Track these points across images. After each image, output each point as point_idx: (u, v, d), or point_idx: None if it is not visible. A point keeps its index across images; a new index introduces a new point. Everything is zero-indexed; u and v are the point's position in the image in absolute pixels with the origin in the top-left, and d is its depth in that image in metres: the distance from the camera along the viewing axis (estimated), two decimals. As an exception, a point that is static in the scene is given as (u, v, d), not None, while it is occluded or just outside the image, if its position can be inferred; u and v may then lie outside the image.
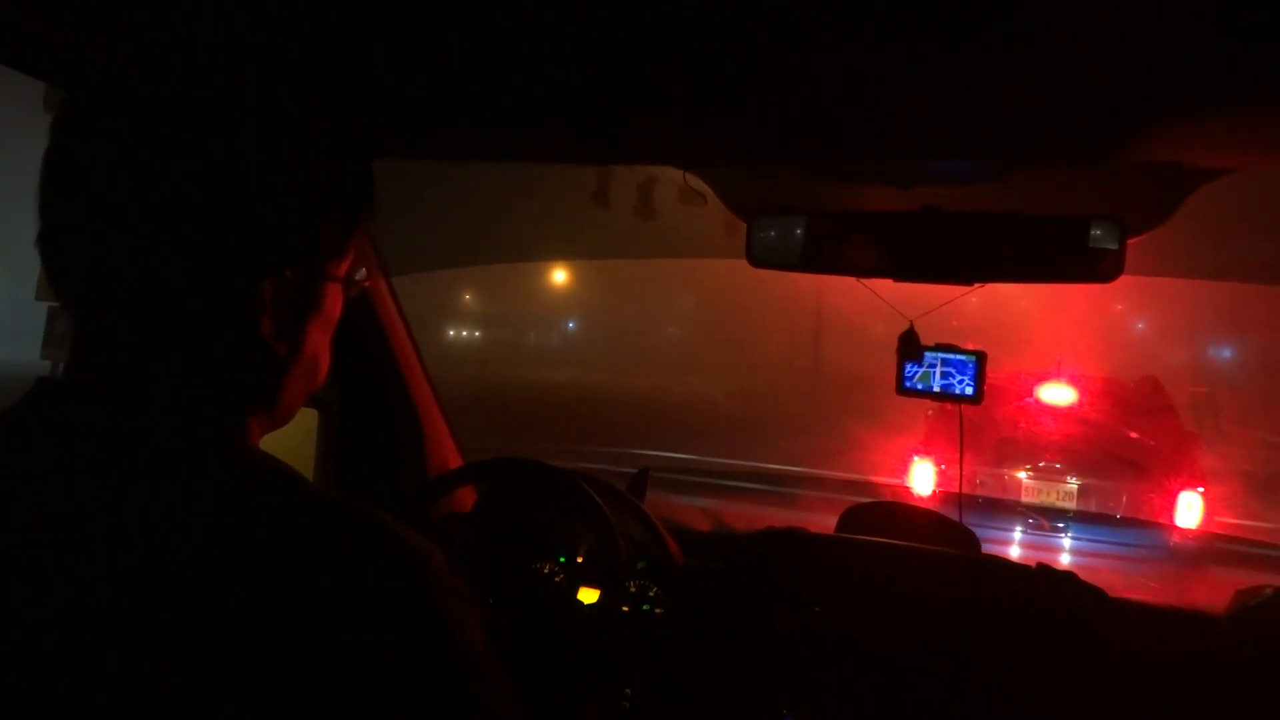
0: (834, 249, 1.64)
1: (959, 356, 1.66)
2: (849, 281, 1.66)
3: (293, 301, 0.75)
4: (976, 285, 1.55)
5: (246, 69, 0.75)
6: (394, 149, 1.58)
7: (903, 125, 1.24)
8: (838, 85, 1.11)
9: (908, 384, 1.68)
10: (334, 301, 0.80)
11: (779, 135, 1.33)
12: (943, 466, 6.64)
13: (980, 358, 1.65)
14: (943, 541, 1.73)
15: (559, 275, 29.87)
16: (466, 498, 1.96)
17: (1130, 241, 1.40)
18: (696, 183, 1.72)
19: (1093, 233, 1.38)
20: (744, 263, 1.68)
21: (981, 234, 1.49)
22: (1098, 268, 1.37)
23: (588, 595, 1.66)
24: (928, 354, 1.66)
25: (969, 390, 1.65)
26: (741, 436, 11.66)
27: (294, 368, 0.77)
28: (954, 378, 1.65)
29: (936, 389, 1.67)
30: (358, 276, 0.83)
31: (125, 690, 0.60)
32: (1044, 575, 1.55)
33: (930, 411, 7.03)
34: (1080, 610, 1.47)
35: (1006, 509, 6.36)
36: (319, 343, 0.80)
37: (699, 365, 21.68)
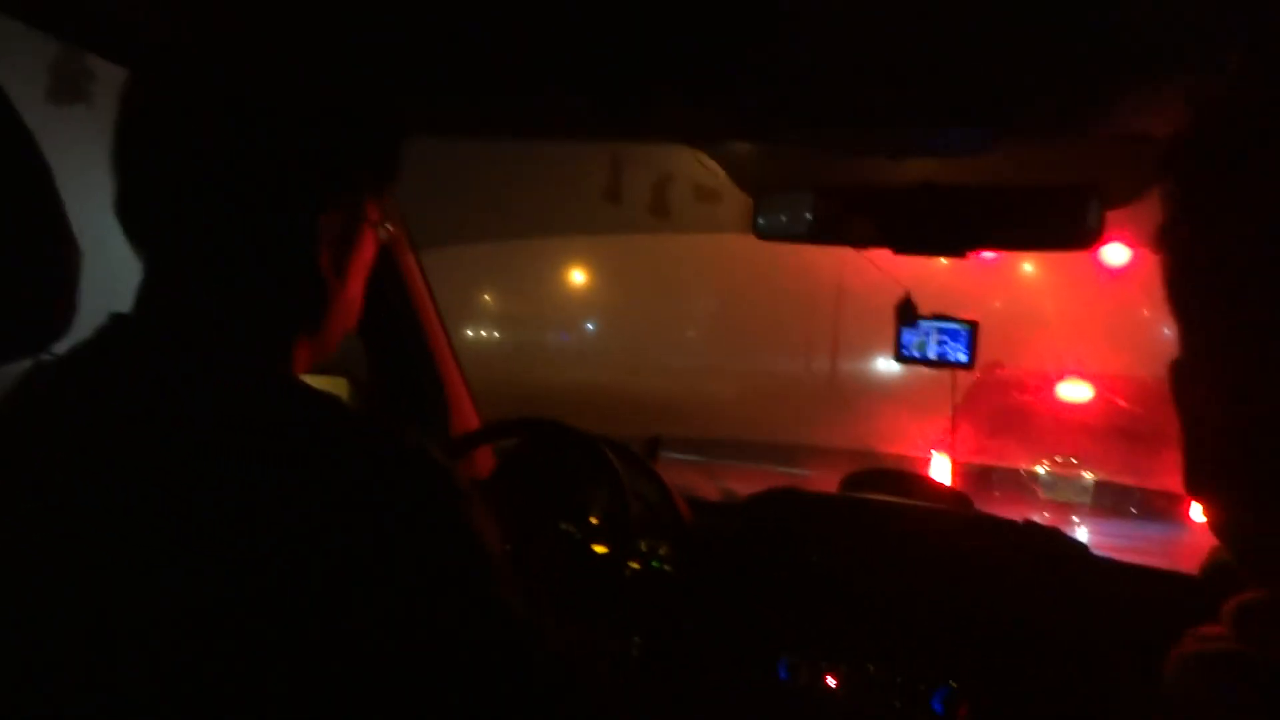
0: (836, 222, 1.72)
1: (953, 325, 1.74)
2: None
3: (341, 239, 0.86)
4: (970, 255, 1.63)
5: (283, 45, 0.87)
6: (414, 126, 1.67)
7: (901, 96, 1.31)
8: (842, 58, 1.18)
9: (905, 351, 1.76)
10: (370, 243, 0.92)
11: (784, 108, 1.41)
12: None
13: (973, 327, 1.73)
14: (936, 502, 1.81)
15: (577, 277, 30.00)
16: (484, 464, 2.05)
17: (1114, 213, 1.48)
18: (709, 161, 1.80)
19: (1075, 203, 1.46)
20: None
21: (973, 205, 1.57)
22: (1078, 235, 1.46)
23: (600, 552, 1.74)
24: (923, 323, 1.74)
25: (962, 357, 1.73)
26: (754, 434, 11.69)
27: (338, 301, 0.89)
28: (948, 345, 1.74)
29: (932, 356, 1.75)
30: (386, 225, 0.95)
31: (198, 587, 0.68)
32: (1029, 529, 1.63)
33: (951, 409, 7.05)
34: (1063, 561, 1.55)
35: (1020, 502, 6.39)
36: (357, 282, 0.92)
37: (716, 369, 21.67)
